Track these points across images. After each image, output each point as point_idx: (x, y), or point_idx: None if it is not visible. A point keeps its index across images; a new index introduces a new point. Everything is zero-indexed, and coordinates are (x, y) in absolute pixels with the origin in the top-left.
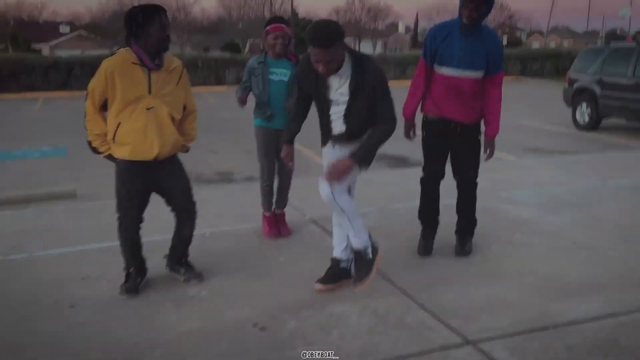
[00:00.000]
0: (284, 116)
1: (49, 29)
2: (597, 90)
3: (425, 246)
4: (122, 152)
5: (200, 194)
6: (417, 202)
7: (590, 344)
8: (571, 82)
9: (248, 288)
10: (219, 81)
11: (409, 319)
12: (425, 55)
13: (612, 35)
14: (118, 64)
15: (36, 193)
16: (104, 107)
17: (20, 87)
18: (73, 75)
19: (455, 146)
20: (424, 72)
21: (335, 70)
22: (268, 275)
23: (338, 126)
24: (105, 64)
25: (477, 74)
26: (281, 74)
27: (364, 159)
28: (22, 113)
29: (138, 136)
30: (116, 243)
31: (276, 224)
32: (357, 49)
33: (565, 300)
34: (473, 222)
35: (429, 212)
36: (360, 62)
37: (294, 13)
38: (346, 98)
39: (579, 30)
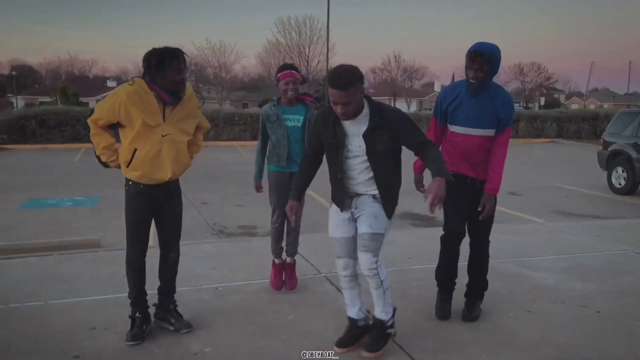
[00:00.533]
0: (298, 161)
1: (97, 84)
2: (633, 153)
3: (443, 308)
4: (135, 175)
5: (219, 248)
6: (435, 265)
7: None
8: (606, 144)
9: (254, 347)
10: (254, 136)
11: None
12: (436, 114)
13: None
14: (135, 92)
15: (61, 241)
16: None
17: (65, 139)
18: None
19: (473, 203)
20: (433, 130)
21: (353, 115)
22: (275, 334)
23: (356, 180)
24: (121, 92)
25: (486, 132)
26: (294, 119)
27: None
28: (62, 163)
29: (154, 162)
30: (126, 294)
31: (282, 275)
32: (392, 105)
33: None
34: (483, 285)
35: (443, 271)
36: (379, 107)
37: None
38: (362, 147)
39: (619, 92)
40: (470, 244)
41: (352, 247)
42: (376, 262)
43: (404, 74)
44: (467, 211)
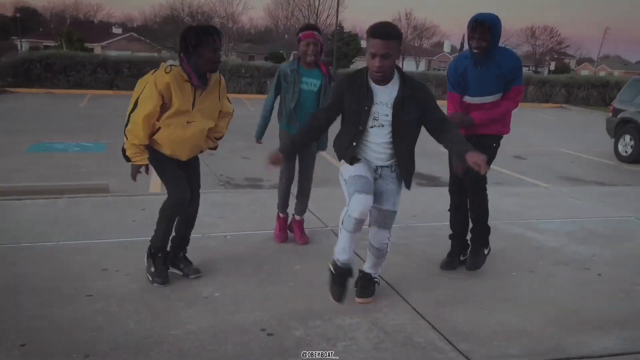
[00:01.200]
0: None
1: (102, 30)
2: None
3: (448, 262)
4: (161, 149)
5: (227, 198)
6: (440, 223)
7: None
8: (615, 112)
9: (261, 292)
10: (261, 89)
11: (417, 338)
12: (450, 87)
13: None
14: (173, 79)
15: (70, 185)
16: None
17: (70, 84)
18: (120, 74)
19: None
20: (453, 103)
21: (388, 73)
22: (282, 282)
23: (375, 151)
24: (159, 80)
25: (494, 98)
26: (312, 83)
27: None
28: (69, 108)
29: (174, 145)
30: (137, 238)
31: (290, 229)
32: (400, 65)
33: (582, 334)
34: (485, 229)
35: (454, 223)
36: (407, 77)
37: (340, 27)
38: (389, 117)
39: (631, 61)
40: (469, 190)
41: (372, 190)
42: (388, 238)
43: (414, 32)
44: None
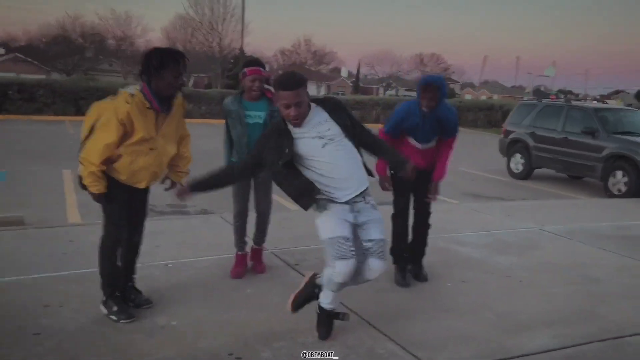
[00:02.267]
0: None
1: None
2: (530, 142)
3: (404, 277)
4: (118, 175)
5: (157, 226)
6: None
7: None
8: (507, 133)
9: (218, 318)
10: None
11: (379, 350)
12: (389, 131)
13: (538, 92)
14: (134, 108)
15: None
16: None
17: None
18: (8, 97)
19: (417, 185)
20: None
21: (305, 116)
22: (236, 307)
23: (340, 184)
24: (120, 110)
25: (434, 144)
26: (256, 116)
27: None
28: None
29: (135, 173)
30: (74, 271)
31: (250, 260)
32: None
33: (519, 335)
34: (424, 246)
35: (399, 244)
36: (325, 102)
37: (242, 51)
38: (331, 130)
39: (507, 85)
40: (417, 217)
41: (354, 248)
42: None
43: (313, 58)
44: (410, 193)
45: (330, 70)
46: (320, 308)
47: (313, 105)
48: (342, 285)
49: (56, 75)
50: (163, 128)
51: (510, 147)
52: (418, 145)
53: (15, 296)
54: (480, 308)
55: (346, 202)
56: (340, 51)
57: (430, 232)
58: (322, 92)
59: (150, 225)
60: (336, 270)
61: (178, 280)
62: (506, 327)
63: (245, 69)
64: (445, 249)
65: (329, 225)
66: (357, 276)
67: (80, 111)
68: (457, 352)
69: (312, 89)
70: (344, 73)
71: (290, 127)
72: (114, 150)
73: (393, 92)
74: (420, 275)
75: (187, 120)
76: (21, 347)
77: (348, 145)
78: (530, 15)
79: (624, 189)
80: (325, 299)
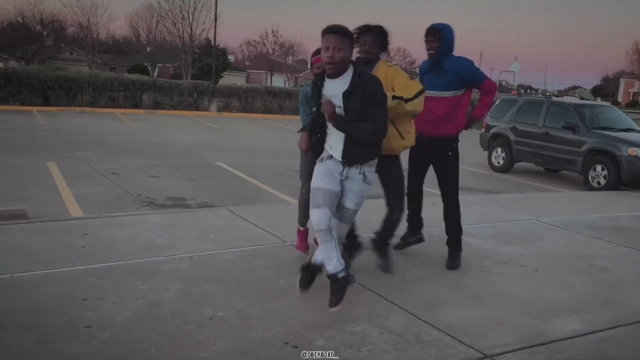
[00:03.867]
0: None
1: None
2: (511, 136)
3: (401, 244)
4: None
5: (168, 219)
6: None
7: (585, 356)
8: (488, 127)
9: (262, 310)
10: (136, 104)
11: (425, 337)
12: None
13: (500, 87)
14: None
15: None
16: None
17: None
18: None
19: (431, 160)
20: None
21: (340, 67)
22: (275, 298)
23: (334, 143)
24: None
25: (443, 94)
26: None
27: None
28: None
29: None
30: (102, 264)
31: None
32: (269, 82)
33: (550, 320)
34: (457, 231)
35: (409, 218)
36: (361, 71)
37: (207, 40)
38: (342, 108)
39: None
40: (443, 198)
41: (332, 201)
42: (345, 228)
43: (281, 49)
44: (421, 168)
45: (297, 62)
46: (309, 260)
47: (350, 71)
48: (322, 234)
49: (13, 64)
50: None
51: (491, 141)
52: (427, 92)
53: (49, 290)
54: (506, 296)
55: (342, 162)
56: (308, 42)
57: (435, 224)
58: (289, 84)
59: (159, 218)
60: (311, 220)
61: (207, 273)
62: (536, 313)
63: (312, 58)
64: None
65: (316, 176)
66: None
67: (49, 101)
68: (498, 338)
69: (279, 81)
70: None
71: (326, 80)
72: None
73: None
74: (448, 263)
75: (159, 112)
76: (78, 341)
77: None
78: (495, 12)
79: (603, 182)
80: (320, 253)
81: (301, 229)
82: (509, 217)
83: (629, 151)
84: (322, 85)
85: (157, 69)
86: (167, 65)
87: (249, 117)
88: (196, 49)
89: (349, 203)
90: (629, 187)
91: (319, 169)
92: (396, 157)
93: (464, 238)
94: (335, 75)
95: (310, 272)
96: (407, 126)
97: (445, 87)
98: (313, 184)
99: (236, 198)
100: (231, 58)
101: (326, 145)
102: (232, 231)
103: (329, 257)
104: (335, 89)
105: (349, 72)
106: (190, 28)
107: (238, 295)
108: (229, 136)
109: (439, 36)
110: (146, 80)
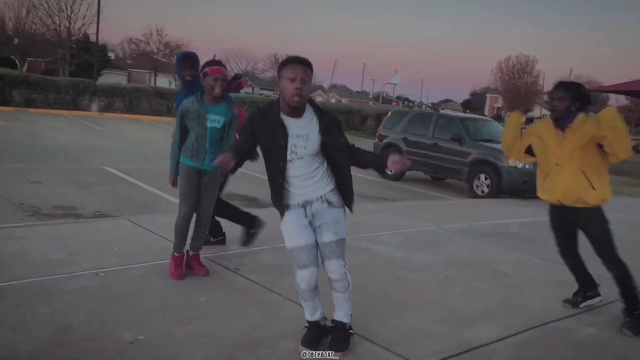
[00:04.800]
0: (212, 159)
1: None
2: (403, 146)
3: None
4: None
5: (60, 231)
6: None
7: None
8: (381, 137)
9: (186, 330)
10: (5, 100)
11: (360, 350)
12: None
13: (378, 98)
14: None
15: None
16: None
17: None
18: None
19: None
20: None
21: (305, 100)
22: (198, 316)
23: (302, 185)
24: None
25: None
26: (214, 120)
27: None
28: None
29: None
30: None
31: (187, 265)
32: (153, 82)
33: (470, 327)
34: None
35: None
36: (317, 105)
37: (85, 36)
38: (307, 149)
39: (354, 89)
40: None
41: (315, 255)
42: (344, 266)
43: (166, 49)
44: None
45: None
46: (307, 321)
47: (309, 109)
48: (309, 292)
49: None
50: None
51: (384, 151)
52: None
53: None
54: (425, 304)
55: (301, 205)
56: (195, 44)
57: (347, 232)
58: (175, 86)
59: (51, 230)
60: (298, 280)
61: (118, 291)
62: (455, 321)
63: (207, 68)
64: (368, 249)
65: (288, 235)
66: (330, 283)
67: None
68: (428, 347)
69: (164, 82)
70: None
71: (283, 118)
72: None
73: (249, 90)
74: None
75: (32, 110)
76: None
77: (336, 157)
78: (378, 27)
79: (486, 190)
80: (305, 310)
81: (176, 254)
82: (410, 225)
83: (509, 162)
84: (281, 122)
85: (26, 64)
86: (39, 60)
87: (134, 119)
88: (73, 45)
89: (327, 236)
90: (508, 195)
91: (287, 226)
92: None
93: (374, 246)
94: (297, 113)
95: (316, 331)
96: None
97: None
98: (289, 244)
99: (133, 207)
100: (111, 55)
101: (288, 197)
102: (137, 244)
103: (313, 309)
104: (297, 129)
105: (309, 111)
106: (69, 22)
107: (157, 315)
108: (114, 138)
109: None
110: (17, 75)
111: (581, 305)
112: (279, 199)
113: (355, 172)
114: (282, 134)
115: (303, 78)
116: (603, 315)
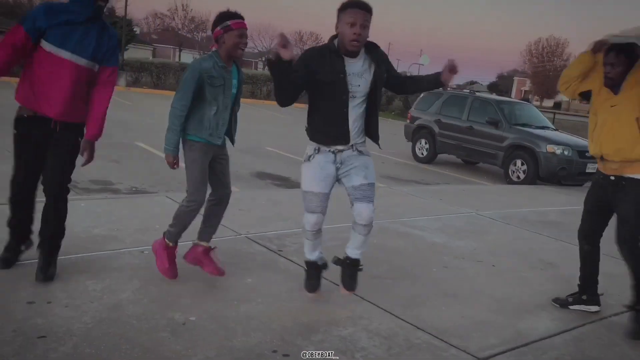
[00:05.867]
0: (228, 130)
1: None
2: (436, 128)
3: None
4: None
5: (101, 206)
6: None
7: (570, 357)
8: (413, 119)
9: (236, 312)
10: None
11: (414, 340)
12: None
13: None
14: None
15: None
16: None
17: None
18: None
19: None
20: (13, 42)
21: (362, 45)
22: (247, 299)
23: (350, 125)
24: None
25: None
26: (234, 85)
27: None
28: None
29: None
30: (35, 260)
31: (193, 259)
32: (177, 58)
33: (524, 319)
34: None
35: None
36: (372, 44)
37: (110, 11)
38: (361, 87)
39: None
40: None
41: (326, 204)
42: (373, 211)
43: (190, 25)
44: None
45: (206, 39)
46: (306, 261)
47: (362, 51)
48: (313, 234)
49: None
50: None
51: (415, 133)
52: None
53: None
54: (475, 293)
55: (331, 152)
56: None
57: (383, 215)
58: None
59: (95, 205)
60: (305, 221)
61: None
62: (508, 312)
63: (230, 22)
64: (408, 234)
65: (308, 178)
66: (353, 225)
67: None
68: (484, 339)
69: (189, 57)
70: None
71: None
72: None
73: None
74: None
75: None
76: (34, 355)
77: (375, 101)
78: (405, 5)
79: (522, 176)
80: (306, 249)
81: (170, 245)
82: (449, 210)
83: (547, 148)
84: (341, 58)
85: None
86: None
87: (161, 94)
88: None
89: (356, 180)
90: (545, 182)
91: (309, 170)
92: None
93: (414, 231)
94: (354, 54)
95: (317, 272)
96: None
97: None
98: (306, 186)
99: (168, 183)
100: (137, 30)
101: (318, 141)
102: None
103: (313, 249)
104: (353, 67)
105: (362, 53)
106: None
107: (205, 296)
108: (144, 114)
109: None
110: None
111: (570, 307)
112: (340, 130)
113: (385, 154)
114: (342, 68)
115: (362, 23)
116: None
